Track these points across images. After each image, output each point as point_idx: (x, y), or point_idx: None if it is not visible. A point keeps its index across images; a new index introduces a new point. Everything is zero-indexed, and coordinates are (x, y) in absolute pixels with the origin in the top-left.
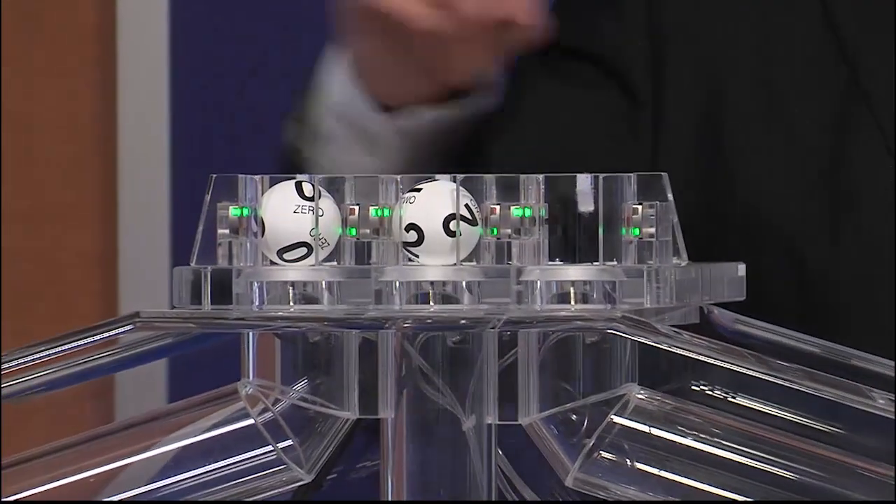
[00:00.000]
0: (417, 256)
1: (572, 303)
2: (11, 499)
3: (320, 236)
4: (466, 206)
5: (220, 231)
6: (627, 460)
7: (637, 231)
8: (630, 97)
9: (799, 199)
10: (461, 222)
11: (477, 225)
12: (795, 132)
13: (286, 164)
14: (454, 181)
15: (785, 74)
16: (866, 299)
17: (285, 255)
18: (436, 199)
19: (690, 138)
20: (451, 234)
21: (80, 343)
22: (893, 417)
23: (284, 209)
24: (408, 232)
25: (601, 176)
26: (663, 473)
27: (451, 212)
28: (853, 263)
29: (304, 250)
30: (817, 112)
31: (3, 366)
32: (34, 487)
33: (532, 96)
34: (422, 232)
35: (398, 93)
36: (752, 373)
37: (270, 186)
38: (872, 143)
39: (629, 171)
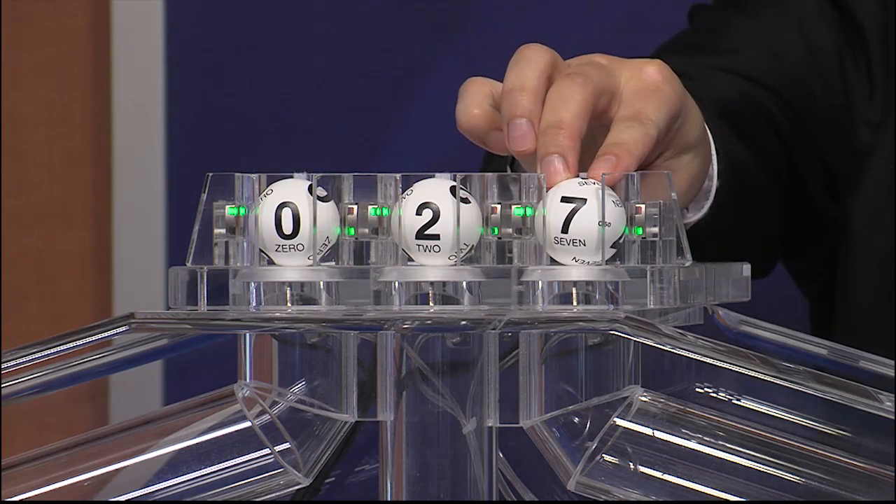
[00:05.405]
0: (437, 238)
1: (574, 303)
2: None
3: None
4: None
5: (216, 230)
6: (630, 463)
7: (640, 230)
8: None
9: None
10: (462, 204)
11: (473, 203)
12: None
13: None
14: (454, 179)
15: None
16: None
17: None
18: (433, 183)
19: None
20: (462, 200)
21: (73, 345)
22: (893, 418)
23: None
24: (420, 214)
25: (604, 174)
26: (667, 477)
27: (451, 184)
28: None
29: None
30: None
31: None
32: (28, 491)
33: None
34: (436, 206)
35: None
36: (757, 375)
37: (268, 185)
38: None
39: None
